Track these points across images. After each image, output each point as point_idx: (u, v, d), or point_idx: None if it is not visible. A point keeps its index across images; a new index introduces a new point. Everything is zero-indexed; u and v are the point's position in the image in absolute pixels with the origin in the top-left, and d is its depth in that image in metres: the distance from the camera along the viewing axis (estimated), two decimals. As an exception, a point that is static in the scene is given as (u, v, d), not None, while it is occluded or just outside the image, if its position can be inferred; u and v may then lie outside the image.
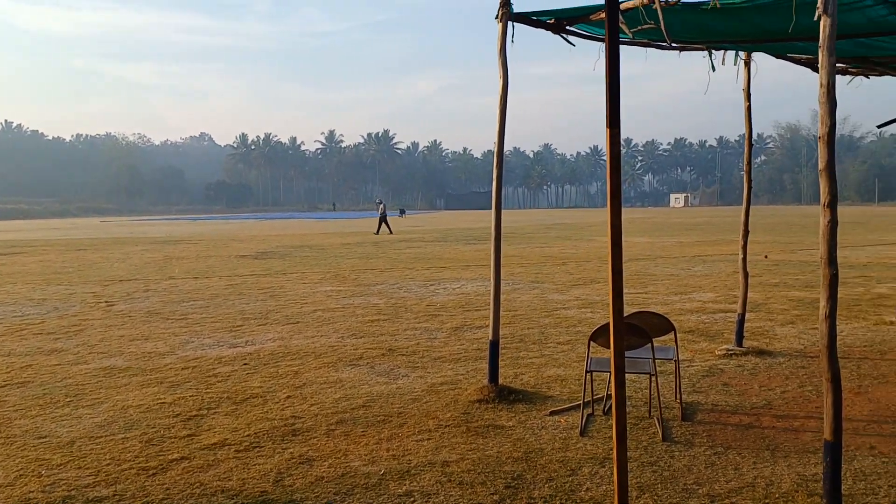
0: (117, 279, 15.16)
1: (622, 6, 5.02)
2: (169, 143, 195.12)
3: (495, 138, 5.80)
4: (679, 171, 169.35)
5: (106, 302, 11.55)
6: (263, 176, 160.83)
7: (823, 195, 3.43)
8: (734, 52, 6.52)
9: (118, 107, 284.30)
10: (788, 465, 4.27)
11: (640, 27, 4.83)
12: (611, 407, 5.50)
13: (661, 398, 5.67)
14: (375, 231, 33.35)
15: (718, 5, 4.18)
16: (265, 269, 16.92)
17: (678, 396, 5.44)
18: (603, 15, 5.10)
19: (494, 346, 5.84)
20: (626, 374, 5.87)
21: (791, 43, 5.79)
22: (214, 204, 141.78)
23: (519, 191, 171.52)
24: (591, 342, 5.06)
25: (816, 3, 3.37)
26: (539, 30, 5.81)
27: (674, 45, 6.17)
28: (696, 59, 6.59)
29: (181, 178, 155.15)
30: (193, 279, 15.06)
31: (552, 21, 5.71)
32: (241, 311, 10.38)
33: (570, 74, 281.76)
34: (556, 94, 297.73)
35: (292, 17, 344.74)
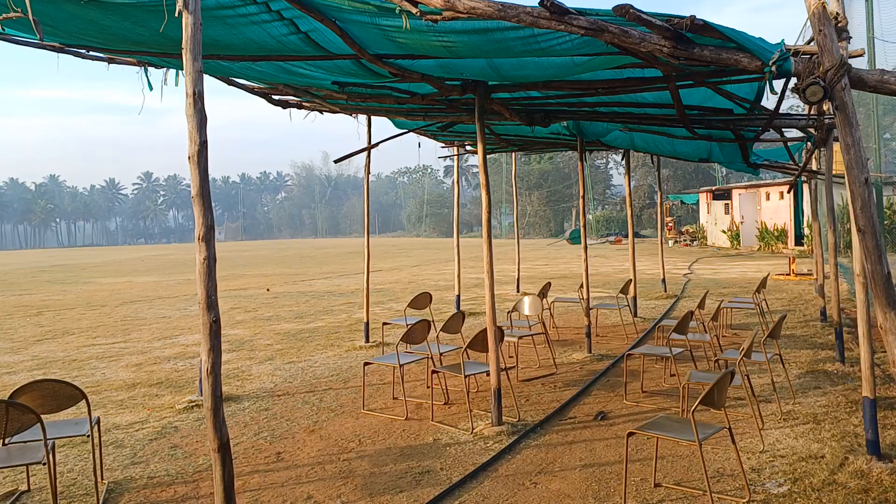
0: None
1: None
2: None
3: None
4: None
5: None
6: None
7: (198, 227, 2.85)
8: (175, 70, 5.83)
9: None
10: (209, 545, 3.63)
11: (4, 15, 3.71)
12: (7, 510, 4.19)
13: (85, 479, 4.58)
14: None
15: (85, -4, 3.35)
16: None
17: (99, 476, 4.41)
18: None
19: None
20: (16, 466, 4.53)
21: (245, 63, 5.31)
22: None
23: (20, 228, 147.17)
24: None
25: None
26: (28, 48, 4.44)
27: (95, 52, 5.21)
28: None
29: None
30: None
31: None
32: None
33: (78, 100, 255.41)
34: (64, 120, 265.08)
35: None
